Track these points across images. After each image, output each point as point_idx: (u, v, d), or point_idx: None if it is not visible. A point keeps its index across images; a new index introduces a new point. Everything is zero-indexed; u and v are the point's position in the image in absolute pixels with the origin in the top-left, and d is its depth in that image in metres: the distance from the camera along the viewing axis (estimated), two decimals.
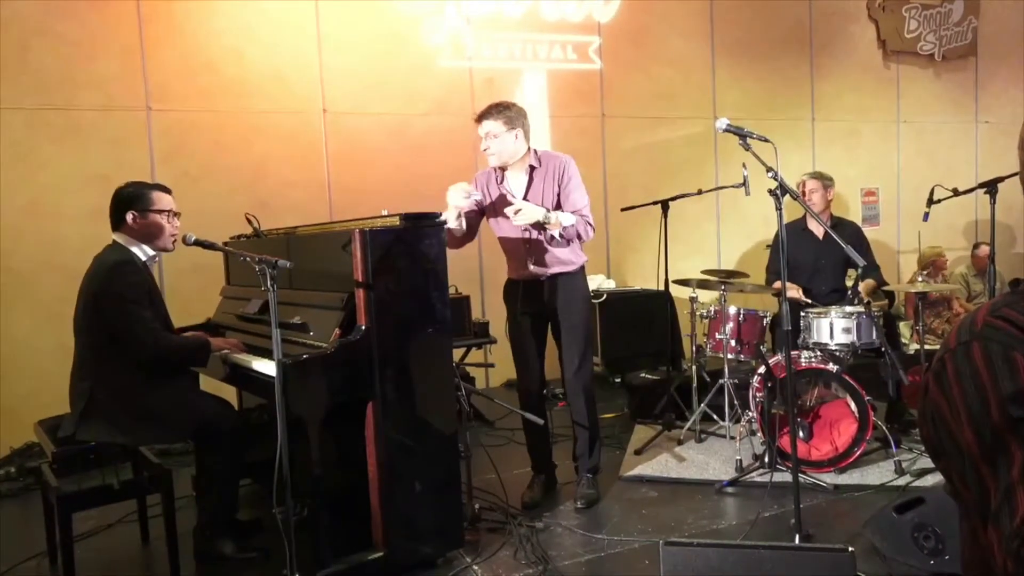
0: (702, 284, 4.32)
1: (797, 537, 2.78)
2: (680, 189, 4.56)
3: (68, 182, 4.64)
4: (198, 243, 2.60)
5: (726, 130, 2.84)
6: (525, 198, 3.27)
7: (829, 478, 3.50)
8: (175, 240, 2.93)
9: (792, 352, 3.23)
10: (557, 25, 6.03)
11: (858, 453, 3.57)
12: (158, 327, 2.81)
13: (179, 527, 2.82)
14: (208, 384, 3.27)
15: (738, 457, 3.66)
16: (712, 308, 4.26)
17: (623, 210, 4.70)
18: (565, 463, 3.65)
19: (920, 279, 4.25)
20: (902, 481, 3.46)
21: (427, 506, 2.74)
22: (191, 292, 4.58)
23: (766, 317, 4.18)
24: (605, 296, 5.56)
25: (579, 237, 3.24)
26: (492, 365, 4.85)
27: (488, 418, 4.85)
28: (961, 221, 7.66)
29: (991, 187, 3.70)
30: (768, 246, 4.72)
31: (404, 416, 2.69)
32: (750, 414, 3.92)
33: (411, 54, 5.60)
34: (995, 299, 0.96)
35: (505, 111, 3.25)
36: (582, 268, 3.42)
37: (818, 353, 3.75)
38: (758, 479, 3.51)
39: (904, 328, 5.57)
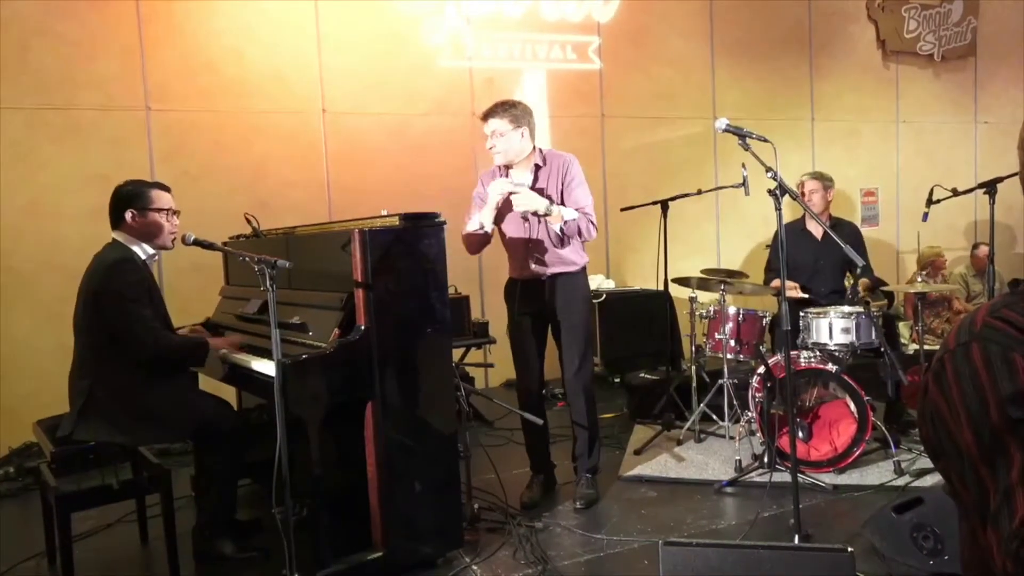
0: (702, 284, 4.32)
1: (796, 537, 2.78)
2: (680, 189, 4.56)
3: (68, 182, 4.64)
4: (197, 243, 2.60)
5: (725, 130, 2.84)
6: None
7: (828, 478, 3.50)
8: (175, 238, 2.93)
9: (791, 352, 3.23)
10: (557, 25, 6.03)
11: (857, 453, 3.57)
12: (157, 326, 2.81)
13: (178, 527, 2.82)
14: (207, 384, 3.27)
15: (737, 457, 3.66)
16: (711, 308, 4.26)
17: (623, 210, 4.71)
18: (564, 463, 3.65)
19: (919, 279, 4.25)
20: (901, 481, 3.46)
21: (426, 506, 2.74)
22: (190, 292, 4.58)
23: (765, 317, 4.18)
24: (604, 296, 5.56)
25: (580, 234, 3.24)
26: (491, 365, 4.85)
27: (487, 418, 4.85)
28: (960, 221, 7.67)
29: (990, 187, 3.70)
30: (767, 246, 4.72)
31: (403, 416, 2.69)
32: (749, 414, 3.92)
33: (411, 54, 5.60)
34: (994, 300, 0.96)
35: (511, 109, 3.25)
36: (583, 269, 3.41)
37: (817, 353, 3.75)
38: (757, 479, 3.51)
39: (903, 328, 5.57)
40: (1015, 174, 1.10)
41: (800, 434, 3.60)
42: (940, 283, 5.77)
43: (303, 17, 5.28)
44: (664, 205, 4.43)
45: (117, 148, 4.77)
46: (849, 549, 1.59)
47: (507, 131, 3.24)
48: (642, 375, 4.99)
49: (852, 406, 3.60)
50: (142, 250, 2.89)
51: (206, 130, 5.03)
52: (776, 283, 4.12)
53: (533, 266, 3.33)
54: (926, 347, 4.21)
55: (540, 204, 3.15)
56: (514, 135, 3.25)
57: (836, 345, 3.68)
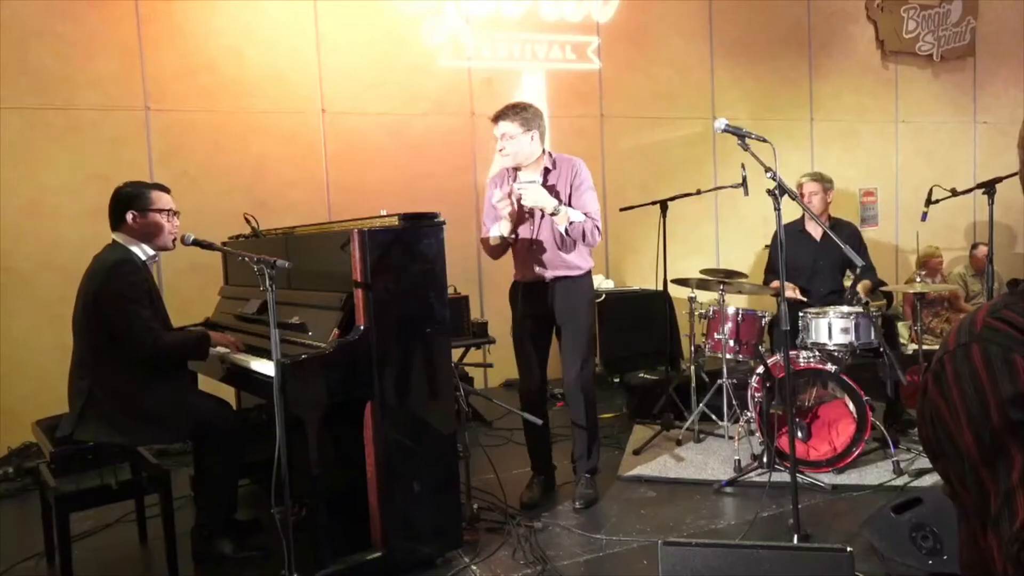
0: (701, 284, 4.32)
1: (795, 537, 2.79)
2: (679, 189, 4.57)
3: (67, 182, 4.64)
4: (197, 243, 2.60)
5: (725, 130, 2.84)
6: None
7: (827, 478, 3.50)
8: (175, 239, 2.93)
9: (790, 352, 3.24)
10: (556, 25, 6.03)
11: (856, 453, 3.57)
12: (157, 326, 2.81)
13: (177, 527, 2.82)
14: (207, 384, 3.27)
15: (736, 457, 3.66)
16: (711, 308, 4.26)
17: (622, 210, 4.71)
18: (564, 463, 3.65)
19: (918, 279, 4.25)
20: (900, 481, 3.46)
21: (426, 506, 2.74)
22: (190, 292, 4.58)
23: (764, 317, 4.18)
24: (604, 296, 5.56)
25: (584, 237, 3.24)
26: (491, 365, 4.84)
27: (487, 418, 4.85)
28: (960, 221, 7.67)
29: (989, 187, 3.70)
30: (767, 246, 4.72)
31: (403, 416, 2.69)
32: (748, 414, 3.92)
33: (410, 54, 5.60)
34: (994, 300, 0.96)
35: (522, 112, 3.25)
36: (588, 273, 3.41)
37: (816, 353, 3.75)
38: (756, 479, 3.52)
39: (903, 328, 5.57)
40: (1014, 174, 1.10)
41: (799, 434, 3.60)
42: (939, 283, 5.77)
43: (302, 17, 5.28)
44: (663, 205, 4.44)
45: (116, 148, 4.77)
46: (848, 549, 1.59)
47: (517, 134, 3.24)
48: (641, 375, 4.99)
49: (851, 406, 3.60)
50: (142, 251, 2.89)
51: (205, 130, 5.03)
52: (775, 284, 4.12)
53: (537, 269, 3.33)
54: (925, 347, 4.21)
55: (549, 202, 3.15)
56: (524, 138, 3.25)
57: (835, 345, 3.69)
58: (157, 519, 2.86)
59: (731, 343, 4.11)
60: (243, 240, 3.67)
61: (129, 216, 2.86)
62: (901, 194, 7.48)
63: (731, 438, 4.02)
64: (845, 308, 3.77)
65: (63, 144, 4.66)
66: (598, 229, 3.26)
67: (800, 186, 4.40)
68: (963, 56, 7.71)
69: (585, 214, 3.23)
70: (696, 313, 4.40)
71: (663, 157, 6.42)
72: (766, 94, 6.86)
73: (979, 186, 3.80)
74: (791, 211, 3.27)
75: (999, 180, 3.66)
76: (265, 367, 2.66)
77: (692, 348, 4.47)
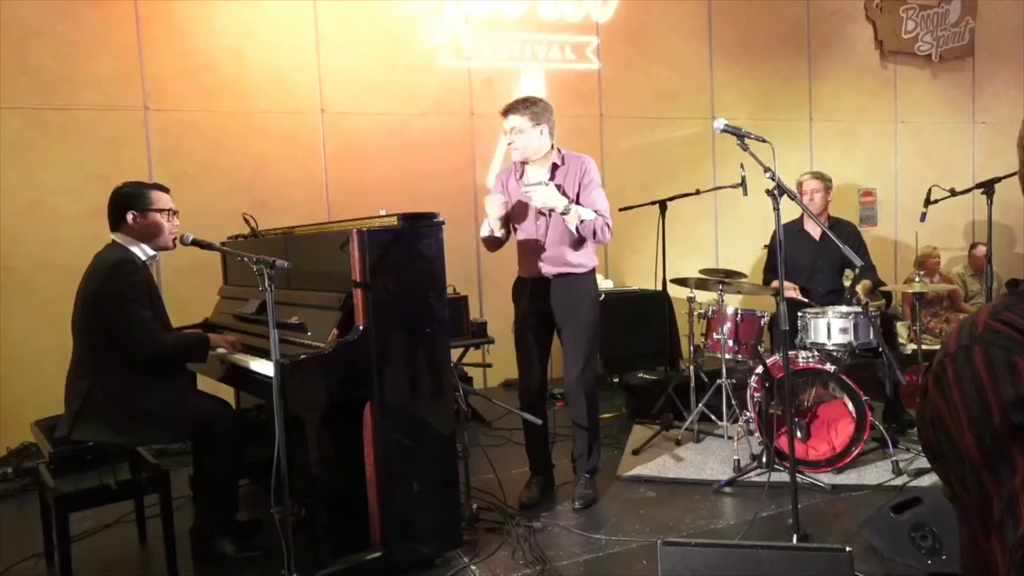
0: (700, 284, 4.32)
1: (795, 537, 2.79)
2: (678, 189, 4.57)
3: (67, 181, 4.64)
4: (196, 243, 2.60)
5: (724, 130, 2.85)
6: None
7: (827, 478, 3.50)
8: (175, 239, 2.93)
9: (790, 352, 3.24)
10: (555, 25, 6.03)
11: (855, 453, 3.57)
12: (157, 327, 2.81)
13: (177, 527, 2.82)
14: (206, 384, 3.27)
15: (736, 457, 3.67)
16: (710, 308, 4.27)
17: (621, 210, 4.70)
18: (563, 463, 3.65)
19: (916, 279, 4.25)
20: (899, 481, 3.46)
21: (425, 506, 2.74)
22: (189, 292, 4.58)
23: (764, 317, 4.18)
24: (603, 296, 5.54)
25: (595, 235, 3.24)
26: (490, 365, 4.84)
27: (486, 418, 4.85)
28: (959, 221, 7.68)
29: (988, 187, 3.70)
30: (766, 246, 4.72)
31: (402, 416, 2.69)
32: (748, 414, 3.93)
33: (410, 54, 5.60)
34: (995, 302, 0.95)
35: (532, 106, 3.25)
36: (592, 271, 3.41)
37: (815, 353, 3.75)
38: (756, 479, 3.52)
39: (901, 328, 5.58)
40: (1013, 174, 1.10)
41: (798, 434, 3.60)
42: (937, 283, 5.78)
43: (302, 17, 5.28)
44: (662, 205, 4.44)
45: (116, 148, 4.77)
46: (847, 549, 1.59)
47: (526, 128, 3.24)
48: (640, 375, 4.99)
49: (850, 406, 3.61)
50: (142, 251, 2.89)
51: (205, 130, 5.03)
52: (775, 284, 4.12)
53: (542, 265, 3.33)
54: (924, 347, 4.21)
55: (560, 202, 3.15)
56: (533, 132, 3.25)
57: (834, 345, 3.69)
58: (156, 519, 2.86)
59: (730, 343, 4.12)
60: (242, 240, 3.66)
61: (129, 216, 2.86)
62: (900, 194, 7.49)
63: (730, 438, 4.02)
64: (844, 308, 3.78)
65: (62, 144, 4.66)
66: (608, 227, 3.26)
67: (800, 184, 4.40)
68: (962, 56, 7.72)
69: (595, 211, 3.23)
70: (695, 313, 4.40)
71: (662, 157, 6.42)
72: (765, 94, 6.87)
73: (978, 186, 3.80)
74: (790, 211, 3.27)
75: (998, 180, 3.66)
76: (264, 367, 2.66)
77: (691, 348, 4.47)
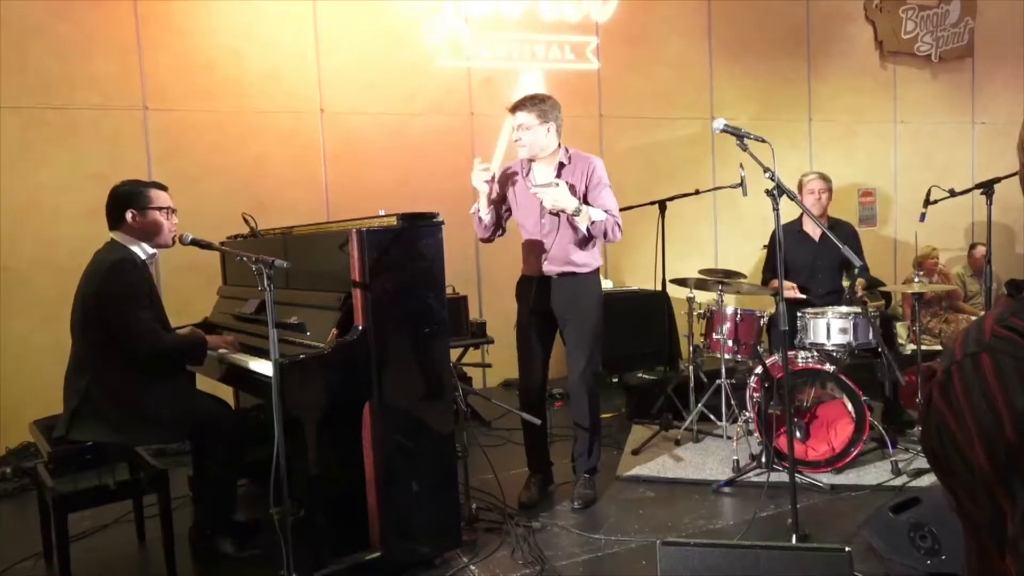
0: (699, 284, 4.32)
1: (794, 537, 2.79)
2: (677, 189, 4.57)
3: (66, 181, 4.63)
4: (195, 243, 2.59)
5: (723, 130, 2.85)
6: None
7: (826, 478, 3.51)
8: (174, 237, 2.93)
9: (789, 352, 3.24)
10: (555, 25, 6.03)
11: (855, 453, 3.57)
12: (156, 327, 2.81)
13: (176, 527, 2.82)
14: (205, 384, 3.27)
15: (735, 457, 3.67)
16: (709, 308, 4.27)
17: (620, 210, 4.69)
18: (562, 463, 3.65)
19: (916, 279, 4.26)
20: (898, 481, 3.46)
21: (424, 506, 2.74)
22: (188, 292, 4.58)
23: (763, 317, 4.18)
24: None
25: (605, 235, 3.23)
26: (489, 365, 4.84)
27: (485, 418, 4.85)
28: (959, 222, 7.68)
29: (988, 188, 3.70)
30: (765, 246, 4.73)
31: (401, 416, 2.68)
32: (747, 414, 3.92)
33: (409, 54, 5.59)
34: (1001, 308, 0.90)
35: (540, 104, 3.25)
36: (596, 271, 3.40)
37: (815, 353, 3.75)
38: (755, 479, 3.52)
39: (901, 328, 5.58)
40: (1013, 174, 1.09)
41: (798, 434, 3.60)
42: (936, 283, 5.78)
43: (301, 17, 5.28)
44: (662, 205, 4.44)
45: (115, 148, 4.76)
46: (846, 549, 1.59)
47: (533, 125, 3.23)
48: (640, 375, 4.99)
49: (849, 406, 3.61)
50: (142, 250, 2.88)
51: (204, 130, 5.03)
52: (774, 283, 4.12)
53: (546, 265, 3.33)
54: (923, 347, 4.21)
55: (571, 203, 3.14)
56: (540, 130, 3.24)
57: (833, 345, 3.69)
58: (155, 519, 2.86)
59: (729, 343, 4.12)
60: (241, 240, 3.66)
61: (128, 215, 2.85)
62: (900, 195, 7.49)
63: (730, 438, 4.02)
64: (843, 308, 3.78)
65: (62, 144, 4.66)
66: (619, 226, 3.25)
67: (802, 185, 4.40)
68: (961, 57, 7.72)
69: (605, 211, 3.22)
70: (695, 313, 4.40)
71: (662, 157, 6.42)
72: (765, 94, 6.87)
73: (977, 186, 3.80)
74: (790, 211, 3.27)
75: (997, 180, 3.66)
76: (263, 367, 2.66)
77: (691, 348, 4.47)
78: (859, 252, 4.15)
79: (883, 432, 3.71)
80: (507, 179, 3.43)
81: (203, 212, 4.46)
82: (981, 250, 6.41)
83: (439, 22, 5.67)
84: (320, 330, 2.69)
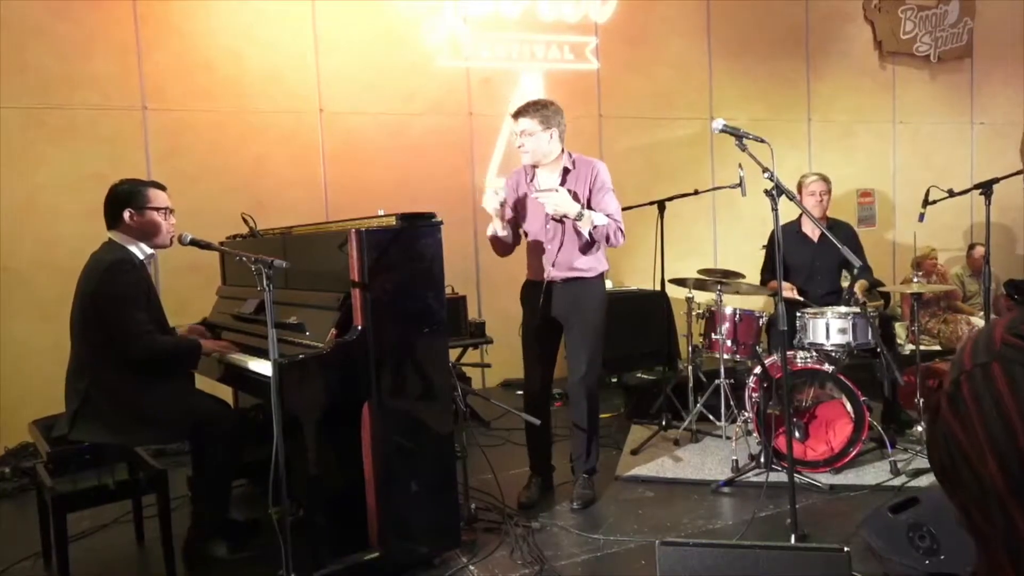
0: (698, 284, 4.33)
1: (793, 537, 2.79)
2: (677, 189, 4.57)
3: (65, 181, 4.63)
4: (194, 243, 2.59)
5: (722, 131, 2.85)
6: None
7: (825, 478, 3.51)
8: (172, 237, 2.92)
9: (788, 352, 3.24)
10: (554, 25, 6.03)
11: (853, 453, 3.57)
12: (151, 328, 2.79)
13: (174, 528, 2.81)
14: (204, 384, 3.27)
15: (734, 457, 3.67)
16: (708, 308, 4.27)
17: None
18: (561, 463, 3.65)
19: (915, 280, 4.26)
20: (897, 481, 3.47)
21: (423, 506, 2.74)
22: (187, 292, 4.57)
23: (762, 317, 4.19)
24: None
25: (608, 239, 3.23)
26: (488, 365, 4.84)
27: (484, 418, 4.85)
28: (958, 222, 7.68)
29: (986, 188, 3.70)
30: (763, 247, 4.73)
31: (400, 416, 2.68)
32: (746, 414, 3.93)
33: (408, 54, 5.60)
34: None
35: (542, 110, 3.24)
36: (601, 275, 3.40)
37: (814, 353, 3.76)
38: (754, 479, 3.52)
39: (900, 329, 5.58)
40: (1012, 175, 1.09)
41: (796, 434, 3.60)
42: (934, 283, 5.78)
43: (300, 17, 5.28)
44: (661, 205, 4.44)
45: (114, 148, 4.76)
46: (845, 549, 1.59)
47: (536, 131, 3.23)
48: (639, 375, 4.99)
49: (848, 406, 3.61)
50: (140, 250, 2.88)
51: (203, 130, 5.03)
52: (773, 284, 4.12)
53: (551, 270, 3.32)
54: (922, 347, 4.21)
55: (572, 208, 3.13)
56: (543, 136, 3.24)
57: (832, 345, 3.69)
58: (154, 519, 2.86)
59: (729, 343, 4.12)
60: (241, 240, 3.66)
61: (126, 214, 2.84)
62: (899, 195, 7.50)
63: (729, 438, 4.02)
64: (842, 308, 3.78)
65: (61, 144, 4.65)
66: (621, 231, 3.25)
67: (802, 186, 4.40)
68: (960, 57, 7.72)
69: (607, 216, 3.22)
70: (694, 313, 4.40)
71: (661, 157, 6.42)
72: (764, 94, 6.87)
73: (976, 187, 3.80)
74: (789, 211, 3.27)
75: (996, 181, 3.66)
76: (263, 367, 2.66)
77: (690, 348, 4.47)
78: (860, 253, 4.16)
79: (882, 432, 3.71)
80: (513, 187, 3.42)
81: (202, 212, 4.46)
82: (980, 250, 6.41)
83: (438, 22, 5.67)
84: (319, 330, 2.69)
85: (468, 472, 3.15)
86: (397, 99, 5.56)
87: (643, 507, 3.38)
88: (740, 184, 3.93)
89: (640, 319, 5.42)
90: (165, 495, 2.79)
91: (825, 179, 4.39)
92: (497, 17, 5.85)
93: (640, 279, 6.00)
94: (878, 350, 3.73)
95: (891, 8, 7.33)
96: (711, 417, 4.29)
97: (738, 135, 2.85)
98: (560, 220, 3.26)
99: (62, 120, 4.66)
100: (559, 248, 3.29)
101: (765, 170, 2.80)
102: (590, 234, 3.19)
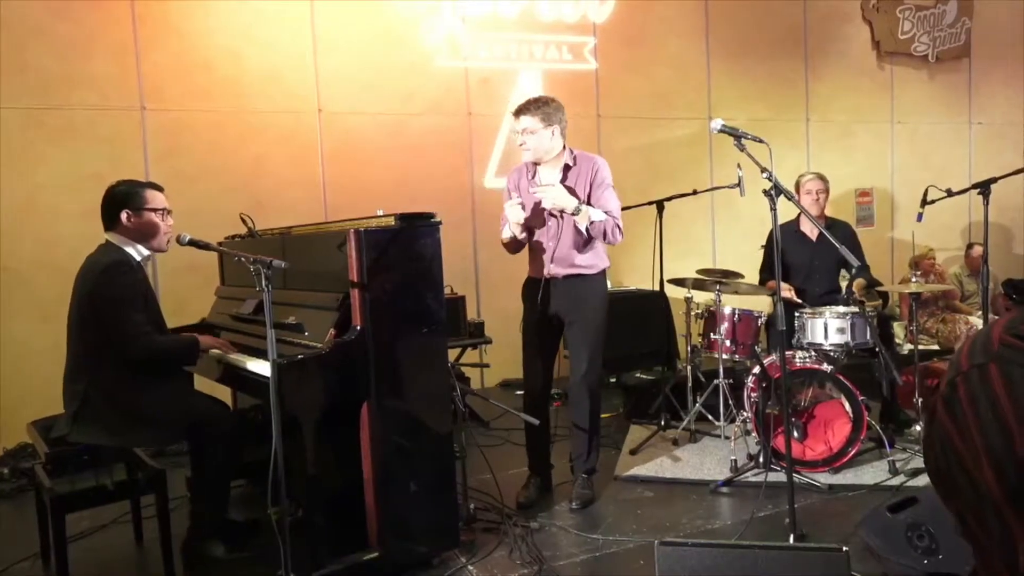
0: (697, 284, 4.33)
1: (791, 537, 2.79)
2: (675, 189, 4.57)
3: (63, 181, 4.63)
4: (193, 243, 2.59)
5: (721, 131, 2.85)
6: None
7: (823, 478, 3.51)
8: (169, 239, 2.92)
9: (786, 352, 3.24)
10: (553, 25, 6.04)
11: (852, 453, 3.58)
12: (148, 330, 2.79)
13: (173, 528, 2.81)
14: (203, 384, 3.27)
15: (733, 457, 3.67)
16: (707, 308, 4.27)
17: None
18: (560, 463, 3.65)
19: (913, 279, 4.27)
20: (896, 481, 3.47)
21: (422, 506, 2.74)
22: (186, 292, 4.57)
23: (761, 317, 4.19)
24: None
25: (605, 236, 3.23)
26: (487, 365, 4.84)
27: (483, 418, 4.84)
28: (956, 222, 7.69)
29: (984, 188, 3.71)
30: (762, 246, 4.73)
31: (399, 416, 2.68)
32: (745, 414, 3.93)
33: (407, 54, 5.59)
34: (1010, 316, 0.85)
35: (543, 107, 3.24)
36: (603, 272, 3.39)
37: (812, 353, 3.76)
38: (753, 479, 3.52)
39: (898, 328, 5.58)
40: (1010, 174, 1.08)
41: (795, 434, 3.60)
42: (933, 283, 5.79)
43: (299, 17, 5.27)
44: (660, 205, 4.44)
45: (112, 148, 4.76)
46: (844, 548, 1.59)
47: (538, 129, 3.23)
48: (638, 375, 4.99)
49: (847, 406, 3.61)
50: (137, 251, 2.87)
51: (201, 130, 5.02)
52: (772, 283, 4.12)
53: (552, 266, 3.32)
54: (920, 347, 4.22)
55: (569, 203, 3.14)
56: (545, 133, 3.24)
57: (831, 345, 3.69)
58: (153, 520, 2.86)
59: (727, 343, 4.12)
60: (239, 240, 3.66)
61: (123, 216, 2.84)
62: (897, 195, 7.50)
63: (727, 438, 4.02)
64: (841, 308, 3.78)
65: (60, 144, 4.65)
66: (619, 228, 3.24)
67: (799, 185, 4.40)
68: (958, 57, 7.73)
69: (606, 212, 3.22)
70: (692, 313, 4.41)
71: (660, 157, 6.42)
72: (762, 94, 6.87)
73: (974, 186, 3.80)
74: (787, 211, 3.28)
75: (994, 180, 3.67)
76: (261, 367, 2.66)
77: (688, 348, 4.47)
78: (858, 252, 4.16)
79: (880, 432, 3.71)
80: (514, 185, 3.42)
81: (201, 212, 4.46)
82: (978, 250, 6.41)
83: (437, 22, 5.67)
84: (318, 330, 2.69)
85: (467, 472, 3.15)
86: (396, 99, 5.56)
87: (642, 507, 3.38)
88: (739, 184, 3.93)
89: (639, 319, 5.42)
90: (164, 495, 2.79)
91: (822, 178, 4.40)
92: (495, 17, 5.85)
93: (639, 279, 6.00)
94: (876, 350, 3.74)
95: (889, 8, 7.34)
96: (710, 417, 4.29)
97: (737, 135, 2.85)
98: (560, 216, 3.26)
99: (61, 120, 4.66)
100: (560, 245, 3.29)
101: (764, 170, 2.80)
102: (587, 230, 3.19)
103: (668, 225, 4.48)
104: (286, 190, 5.20)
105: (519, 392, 3.94)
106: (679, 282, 4.35)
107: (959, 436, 0.80)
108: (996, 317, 0.92)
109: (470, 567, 2.81)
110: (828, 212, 4.52)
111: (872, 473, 3.59)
